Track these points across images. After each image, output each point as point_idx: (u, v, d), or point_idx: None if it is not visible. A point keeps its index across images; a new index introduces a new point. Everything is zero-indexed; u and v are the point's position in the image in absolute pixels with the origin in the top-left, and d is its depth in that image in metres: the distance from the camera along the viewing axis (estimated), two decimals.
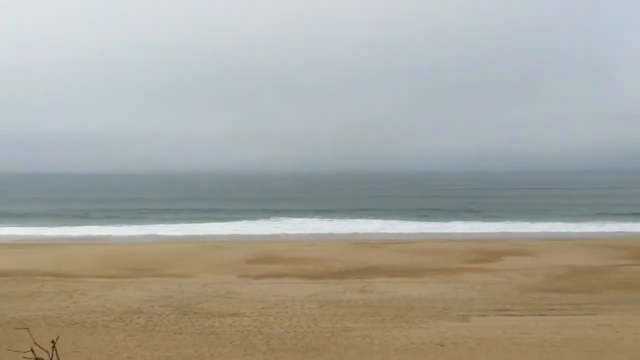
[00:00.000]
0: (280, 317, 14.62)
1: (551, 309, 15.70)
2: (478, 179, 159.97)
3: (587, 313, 15.25)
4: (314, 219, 47.15)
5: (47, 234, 38.01)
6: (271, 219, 47.64)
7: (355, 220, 46.10)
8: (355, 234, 38.22)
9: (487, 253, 26.88)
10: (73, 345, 12.03)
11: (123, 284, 19.36)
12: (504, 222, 44.56)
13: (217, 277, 20.91)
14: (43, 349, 4.85)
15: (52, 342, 4.82)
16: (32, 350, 4.92)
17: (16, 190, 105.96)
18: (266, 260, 25.30)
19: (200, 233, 38.26)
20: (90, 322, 14.11)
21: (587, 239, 33.69)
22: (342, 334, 13.13)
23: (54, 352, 4.64)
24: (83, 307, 15.71)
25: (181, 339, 12.69)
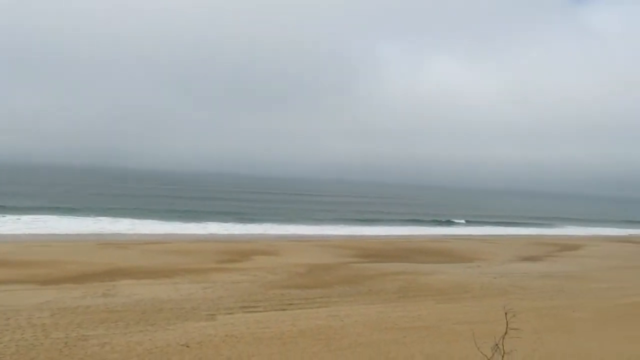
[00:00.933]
0: None
1: (290, 304, 17.15)
2: (234, 182, 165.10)
3: (320, 306, 17.14)
4: (52, 216, 41.70)
5: None
6: None
7: (102, 218, 42.50)
8: (101, 234, 35.24)
9: (237, 253, 27.88)
10: None
11: None
12: (256, 224, 46.99)
13: None
14: None
15: None
16: None
17: None
18: None
19: None
20: None
21: (324, 240, 37.97)
22: (78, 343, 11.89)
23: None
24: None
25: None
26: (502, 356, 3.68)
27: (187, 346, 12.10)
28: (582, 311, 17.97)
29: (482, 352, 3.84)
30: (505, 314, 4.00)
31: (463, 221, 66.86)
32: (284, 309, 16.33)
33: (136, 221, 42.51)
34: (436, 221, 64.87)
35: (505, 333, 3.84)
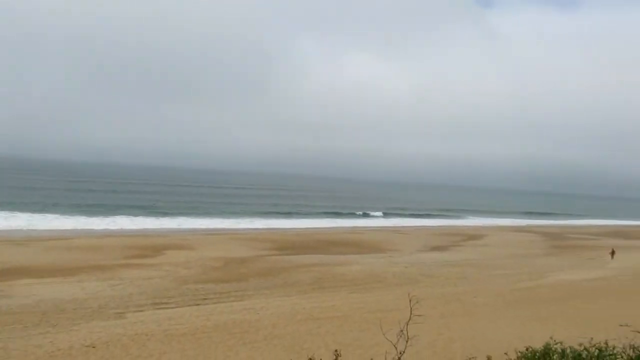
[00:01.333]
0: None
1: (205, 299, 16.82)
2: (146, 174, 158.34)
3: (235, 299, 16.98)
4: None
5: None
6: None
7: None
8: None
9: (149, 248, 26.83)
10: None
11: None
12: (168, 218, 45.43)
13: None
14: None
15: None
16: None
17: None
18: None
19: None
20: None
21: (240, 233, 37.58)
22: None
23: None
24: None
25: None
26: (407, 341, 3.88)
27: (93, 347, 11.50)
28: (482, 296, 19.27)
29: (387, 338, 4.00)
30: (410, 301, 4.22)
31: (380, 213, 68.93)
32: (197, 304, 15.99)
33: (35, 216, 39.47)
34: (353, 214, 66.47)
35: (409, 319, 4.04)
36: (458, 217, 73.81)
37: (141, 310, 14.83)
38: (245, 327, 13.66)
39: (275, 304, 16.51)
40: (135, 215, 45.44)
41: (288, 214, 59.35)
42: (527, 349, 3.65)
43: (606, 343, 3.52)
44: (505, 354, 3.95)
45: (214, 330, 13.24)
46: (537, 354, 3.58)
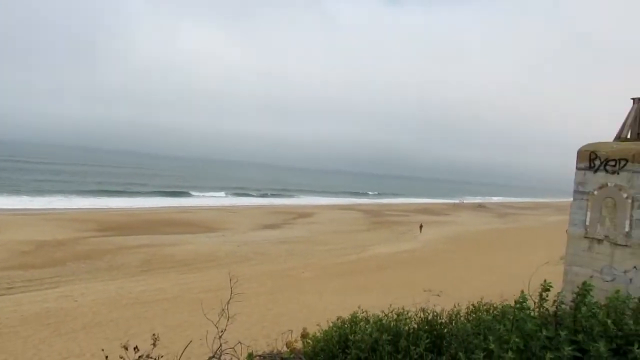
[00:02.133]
0: None
1: (11, 288, 14.97)
2: None
3: (50, 287, 15.42)
4: None
5: None
6: None
7: None
8: None
9: None
10: None
11: None
12: None
13: None
14: None
15: None
16: None
17: None
18: None
19: None
20: None
21: (57, 213, 33.98)
22: None
23: None
24: None
25: None
26: (227, 319, 3.97)
27: None
28: (310, 271, 20.43)
29: (208, 318, 4.05)
30: (230, 280, 4.32)
31: (221, 193, 68.21)
32: (1, 295, 14.16)
33: None
34: (187, 193, 64.61)
35: (230, 298, 4.14)
36: (291, 197, 76.65)
37: None
38: (61, 316, 12.52)
39: (98, 289, 15.41)
40: None
41: (115, 193, 55.44)
42: (337, 319, 4.01)
43: (403, 308, 4.03)
44: (318, 325, 4.28)
45: (23, 322, 11.89)
46: (346, 322, 3.96)
